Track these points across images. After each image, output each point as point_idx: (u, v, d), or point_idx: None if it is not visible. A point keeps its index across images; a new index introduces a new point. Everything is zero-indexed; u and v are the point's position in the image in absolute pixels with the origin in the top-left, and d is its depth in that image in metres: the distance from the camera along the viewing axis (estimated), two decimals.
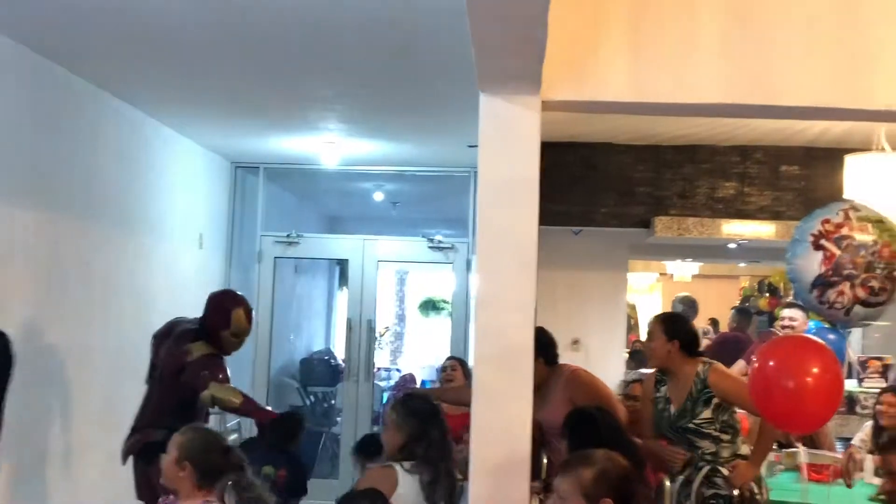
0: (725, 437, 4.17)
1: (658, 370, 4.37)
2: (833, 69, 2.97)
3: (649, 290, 14.49)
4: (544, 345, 4.16)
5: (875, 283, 3.42)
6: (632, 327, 11.08)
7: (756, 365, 3.46)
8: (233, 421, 6.66)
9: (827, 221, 3.52)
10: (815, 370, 3.21)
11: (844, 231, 3.46)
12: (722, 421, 4.17)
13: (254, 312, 5.13)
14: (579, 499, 2.58)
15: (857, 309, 3.47)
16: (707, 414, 4.15)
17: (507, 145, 3.10)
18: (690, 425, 4.18)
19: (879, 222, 3.56)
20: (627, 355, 8.66)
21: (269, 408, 5.27)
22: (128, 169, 5.93)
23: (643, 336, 11.78)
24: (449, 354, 7.09)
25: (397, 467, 3.51)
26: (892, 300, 3.61)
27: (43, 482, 4.92)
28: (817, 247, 3.48)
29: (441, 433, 3.61)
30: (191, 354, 4.74)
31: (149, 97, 5.71)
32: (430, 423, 3.60)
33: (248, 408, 4.85)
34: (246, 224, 8.16)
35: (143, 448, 4.70)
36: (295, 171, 8.08)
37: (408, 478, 3.47)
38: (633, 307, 11.67)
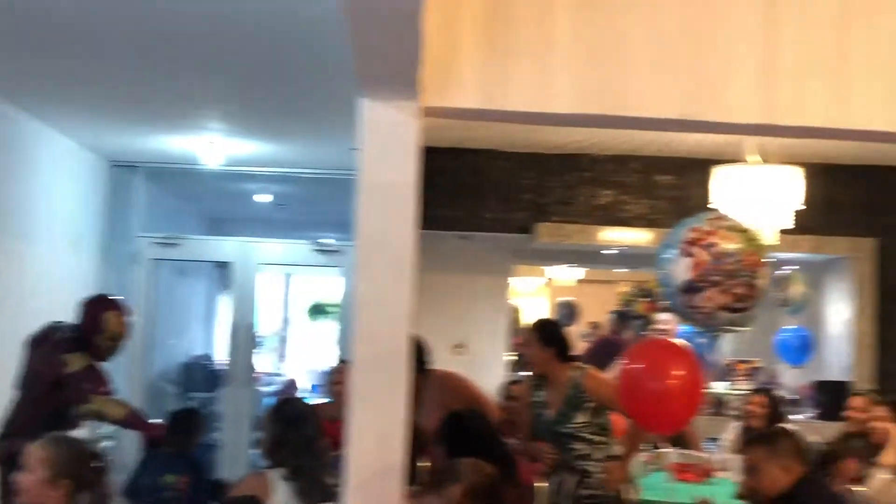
0: (599, 438, 4.29)
1: (535, 375, 4.45)
2: (685, 82, 3.07)
3: (536, 293, 14.73)
4: (416, 353, 4.20)
5: (739, 290, 3.54)
6: (517, 331, 11.24)
7: (623, 367, 3.57)
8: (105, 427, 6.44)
9: (696, 230, 3.64)
10: (678, 372, 3.33)
11: (712, 239, 3.58)
12: (597, 424, 4.29)
13: (131, 315, 5.01)
14: None
15: (722, 314, 3.59)
16: (583, 418, 4.26)
17: (386, 150, 3.09)
18: (566, 429, 4.27)
19: (744, 232, 3.71)
20: (517, 358, 8.77)
21: (159, 421, 5.12)
22: None
23: None
24: (338, 358, 7.03)
25: (271, 474, 3.47)
26: (756, 307, 3.76)
27: None
28: (686, 254, 3.58)
29: (309, 438, 3.58)
30: (67, 366, 4.59)
31: (19, 90, 5.48)
32: (294, 428, 3.56)
33: (132, 420, 4.72)
34: (123, 225, 7.91)
35: (10, 456, 4.51)
36: (175, 170, 7.88)
37: (282, 485, 3.43)
38: (518, 311, 11.84)
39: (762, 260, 3.59)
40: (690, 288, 3.54)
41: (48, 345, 4.72)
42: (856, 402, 5.33)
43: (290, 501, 3.44)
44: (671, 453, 4.76)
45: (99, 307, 4.85)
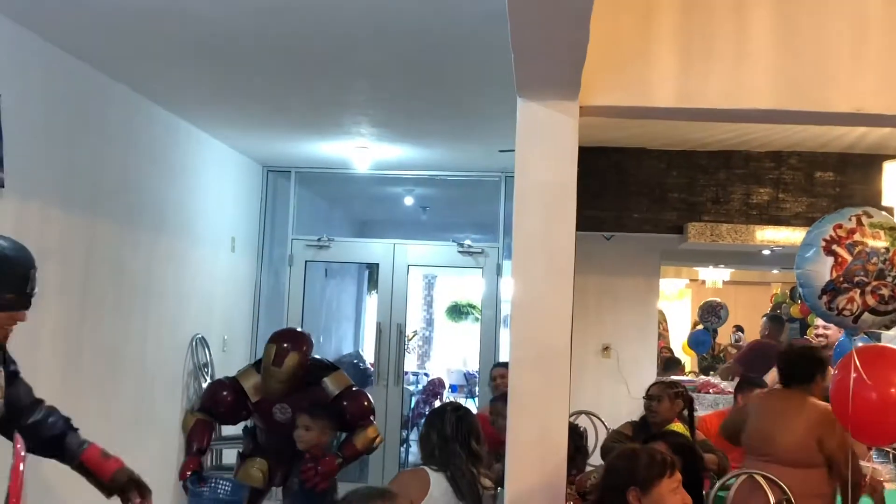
0: None
1: None
2: (882, 75, 2.94)
3: (679, 296, 14.38)
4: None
5: (885, 291, 3.31)
6: (661, 334, 11.00)
7: (838, 376, 3.43)
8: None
9: (839, 227, 3.41)
10: None
11: (857, 237, 3.36)
12: None
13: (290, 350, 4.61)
14: None
15: (866, 316, 3.37)
16: None
17: (544, 151, 3.08)
18: None
19: (892, 229, 3.47)
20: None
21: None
22: (161, 171, 5.97)
23: (672, 343, 11.68)
24: (495, 361, 7.06)
25: (427, 470, 3.52)
26: None
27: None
28: (829, 252, 3.37)
29: (470, 440, 3.61)
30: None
31: (183, 101, 5.76)
32: (458, 431, 3.62)
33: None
34: (277, 228, 8.20)
35: None
36: (326, 175, 8.13)
37: (438, 479, 3.49)
38: (662, 314, 11.58)
39: None
40: (832, 289, 3.33)
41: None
42: None
43: (447, 496, 3.47)
44: None
45: (271, 340, 4.72)
